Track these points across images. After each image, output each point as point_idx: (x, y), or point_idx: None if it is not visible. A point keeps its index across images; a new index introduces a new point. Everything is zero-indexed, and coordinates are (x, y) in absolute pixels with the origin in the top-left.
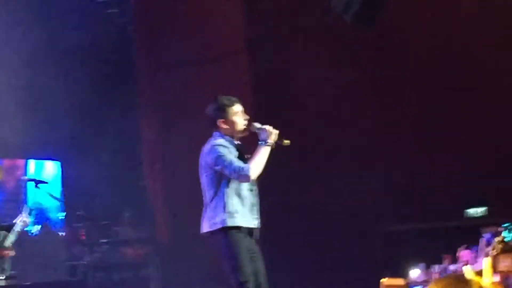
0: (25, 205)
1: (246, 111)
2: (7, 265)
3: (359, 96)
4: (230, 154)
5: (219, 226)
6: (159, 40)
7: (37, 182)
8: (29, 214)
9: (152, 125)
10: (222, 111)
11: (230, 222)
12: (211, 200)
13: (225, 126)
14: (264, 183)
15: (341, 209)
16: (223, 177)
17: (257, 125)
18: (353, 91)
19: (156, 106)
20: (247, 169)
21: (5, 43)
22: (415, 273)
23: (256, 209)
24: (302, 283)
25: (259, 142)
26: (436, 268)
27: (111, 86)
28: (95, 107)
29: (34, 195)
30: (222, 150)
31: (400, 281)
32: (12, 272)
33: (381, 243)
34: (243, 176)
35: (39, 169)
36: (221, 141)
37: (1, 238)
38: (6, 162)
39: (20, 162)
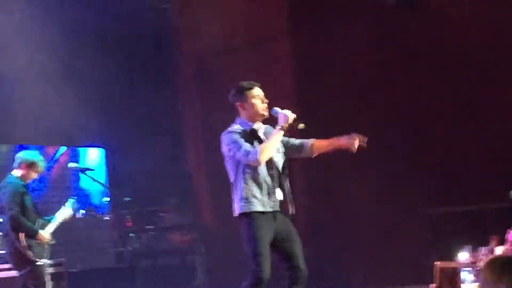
0: (70, 199)
1: (266, 96)
2: (46, 253)
3: (398, 79)
4: (242, 139)
5: (237, 212)
6: (200, 24)
7: (83, 169)
8: (72, 207)
9: (195, 111)
10: (241, 94)
11: (247, 208)
12: (233, 186)
13: (244, 109)
14: (302, 164)
15: (387, 190)
16: (240, 163)
17: (277, 109)
18: (393, 74)
19: (199, 91)
20: (254, 152)
21: (47, 29)
22: (463, 255)
23: (276, 192)
24: (348, 266)
25: (277, 127)
26: (483, 250)
27: (153, 72)
28: (139, 93)
29: (80, 182)
30: (234, 136)
31: (454, 264)
32: (61, 259)
33: (427, 225)
34: (252, 160)
35: (84, 156)
36: (235, 127)
37: (39, 225)
38: (50, 150)
39: (65, 149)
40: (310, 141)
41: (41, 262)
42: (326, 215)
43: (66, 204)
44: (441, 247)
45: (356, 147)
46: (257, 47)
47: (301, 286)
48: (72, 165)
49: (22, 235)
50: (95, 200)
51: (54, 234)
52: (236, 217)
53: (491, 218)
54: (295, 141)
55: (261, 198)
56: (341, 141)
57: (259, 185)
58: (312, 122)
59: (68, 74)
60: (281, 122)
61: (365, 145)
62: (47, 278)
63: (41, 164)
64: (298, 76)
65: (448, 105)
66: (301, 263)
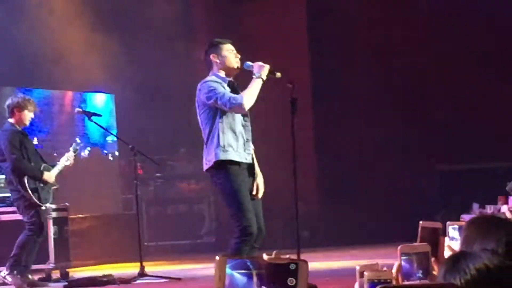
0: (74, 144)
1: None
2: (50, 196)
3: (412, 30)
4: (222, 88)
5: (212, 161)
6: None
7: (90, 114)
8: (74, 150)
9: None
10: (215, 47)
11: (223, 156)
12: (207, 138)
13: (217, 61)
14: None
15: (398, 148)
16: (217, 112)
17: (249, 62)
18: (404, 27)
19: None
20: (240, 98)
21: None
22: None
23: (249, 144)
24: (359, 222)
25: (253, 76)
26: (490, 208)
27: (166, 22)
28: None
29: (86, 128)
30: (213, 84)
31: (437, 224)
32: (65, 204)
33: (438, 182)
34: (236, 106)
35: (92, 101)
36: (212, 77)
37: (41, 168)
38: (58, 95)
39: (73, 94)
40: None
41: (44, 206)
42: (337, 174)
43: (71, 148)
44: (450, 205)
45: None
46: None
47: (258, 246)
48: (79, 110)
49: (25, 180)
50: (102, 146)
51: (60, 179)
52: (209, 169)
53: (503, 177)
54: None
55: (237, 149)
56: None
57: (235, 136)
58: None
59: (80, 21)
60: (256, 71)
61: None
62: (48, 223)
63: (29, 102)
64: (312, 29)
65: (463, 63)
66: (262, 224)
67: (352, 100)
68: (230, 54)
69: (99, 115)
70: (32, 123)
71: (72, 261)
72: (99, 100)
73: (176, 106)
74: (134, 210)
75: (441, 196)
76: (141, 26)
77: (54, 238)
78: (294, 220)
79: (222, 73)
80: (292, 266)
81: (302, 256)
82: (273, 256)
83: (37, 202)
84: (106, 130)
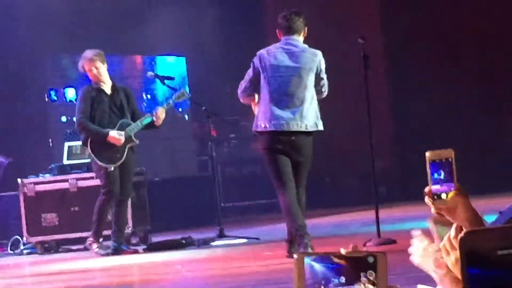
0: (168, 99)
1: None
2: (119, 154)
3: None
4: None
5: (320, 127)
6: None
7: (163, 78)
8: (165, 107)
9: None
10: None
11: (321, 126)
12: (304, 100)
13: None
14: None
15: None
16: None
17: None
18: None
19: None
20: None
21: None
22: None
23: None
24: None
25: None
26: None
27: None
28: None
29: (159, 91)
30: None
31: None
32: (142, 168)
33: None
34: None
35: (164, 65)
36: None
37: (116, 126)
38: (129, 59)
39: (143, 59)
40: None
41: (112, 167)
42: (413, 128)
43: (159, 106)
44: None
45: None
46: None
47: None
48: (151, 74)
49: (88, 141)
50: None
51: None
52: (311, 133)
53: None
54: None
55: None
56: None
57: None
58: None
59: None
60: None
61: None
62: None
63: (98, 55)
64: (384, 11)
65: None
66: None
67: (425, 60)
68: None
69: (172, 78)
70: None
71: (150, 224)
72: (171, 63)
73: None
74: (210, 171)
75: None
76: None
77: (131, 203)
78: (370, 176)
79: None
80: (371, 259)
81: (380, 212)
82: (350, 249)
83: (101, 163)
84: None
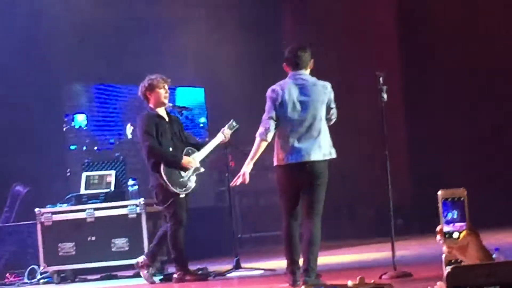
0: (231, 120)
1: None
2: (191, 182)
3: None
4: None
5: (333, 155)
6: None
7: (181, 108)
8: (231, 129)
9: None
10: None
11: (334, 154)
12: (320, 131)
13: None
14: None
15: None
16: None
17: None
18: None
19: (300, 33)
20: None
21: None
22: None
23: None
24: None
25: None
26: None
27: (256, 31)
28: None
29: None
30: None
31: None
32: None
33: None
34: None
35: (183, 95)
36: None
37: (184, 152)
38: None
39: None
40: None
41: (183, 194)
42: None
43: (226, 126)
44: None
45: None
46: None
47: None
48: (169, 105)
49: (161, 167)
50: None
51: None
52: (324, 162)
53: None
54: None
55: None
56: None
57: None
58: None
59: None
60: None
61: None
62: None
63: (158, 80)
64: (401, 26)
65: None
66: None
67: (443, 93)
68: None
69: (190, 109)
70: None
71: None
72: (190, 94)
73: (263, 97)
74: (227, 202)
75: None
76: (232, 24)
77: (147, 232)
78: (387, 207)
79: None
80: None
81: (396, 244)
82: (357, 282)
83: (174, 190)
84: (192, 121)
